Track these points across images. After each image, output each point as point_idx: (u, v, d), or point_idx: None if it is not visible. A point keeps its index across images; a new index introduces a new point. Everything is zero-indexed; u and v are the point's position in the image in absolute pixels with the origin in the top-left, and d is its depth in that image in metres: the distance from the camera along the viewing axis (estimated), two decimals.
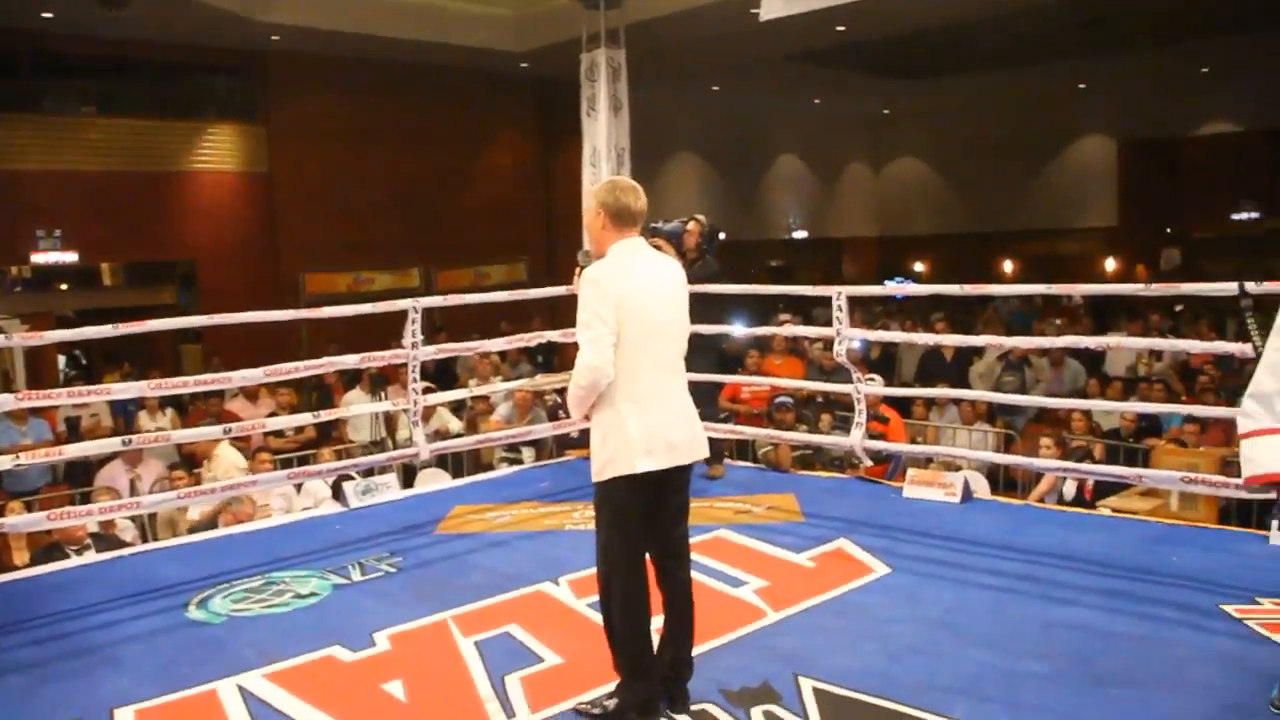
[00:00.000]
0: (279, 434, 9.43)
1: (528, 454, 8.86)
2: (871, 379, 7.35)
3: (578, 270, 4.15)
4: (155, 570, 5.67)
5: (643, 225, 3.85)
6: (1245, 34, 17.44)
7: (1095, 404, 9.00)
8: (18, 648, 4.66)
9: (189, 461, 8.63)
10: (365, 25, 14.55)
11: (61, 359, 16.04)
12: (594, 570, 3.85)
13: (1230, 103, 21.72)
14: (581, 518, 6.29)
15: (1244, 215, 21.82)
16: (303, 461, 8.36)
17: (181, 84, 15.93)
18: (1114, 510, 6.71)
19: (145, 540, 7.32)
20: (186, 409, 11.25)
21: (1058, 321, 14.58)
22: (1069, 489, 7.41)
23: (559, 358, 12.61)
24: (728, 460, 7.77)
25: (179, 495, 6.26)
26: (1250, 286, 5.04)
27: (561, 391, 9.04)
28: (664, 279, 3.81)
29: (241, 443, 8.35)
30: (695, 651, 3.94)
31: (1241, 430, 3.60)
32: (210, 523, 7.18)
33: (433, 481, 8.07)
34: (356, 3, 14.27)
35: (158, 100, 15.62)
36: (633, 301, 3.63)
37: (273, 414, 9.95)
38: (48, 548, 6.44)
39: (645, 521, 3.75)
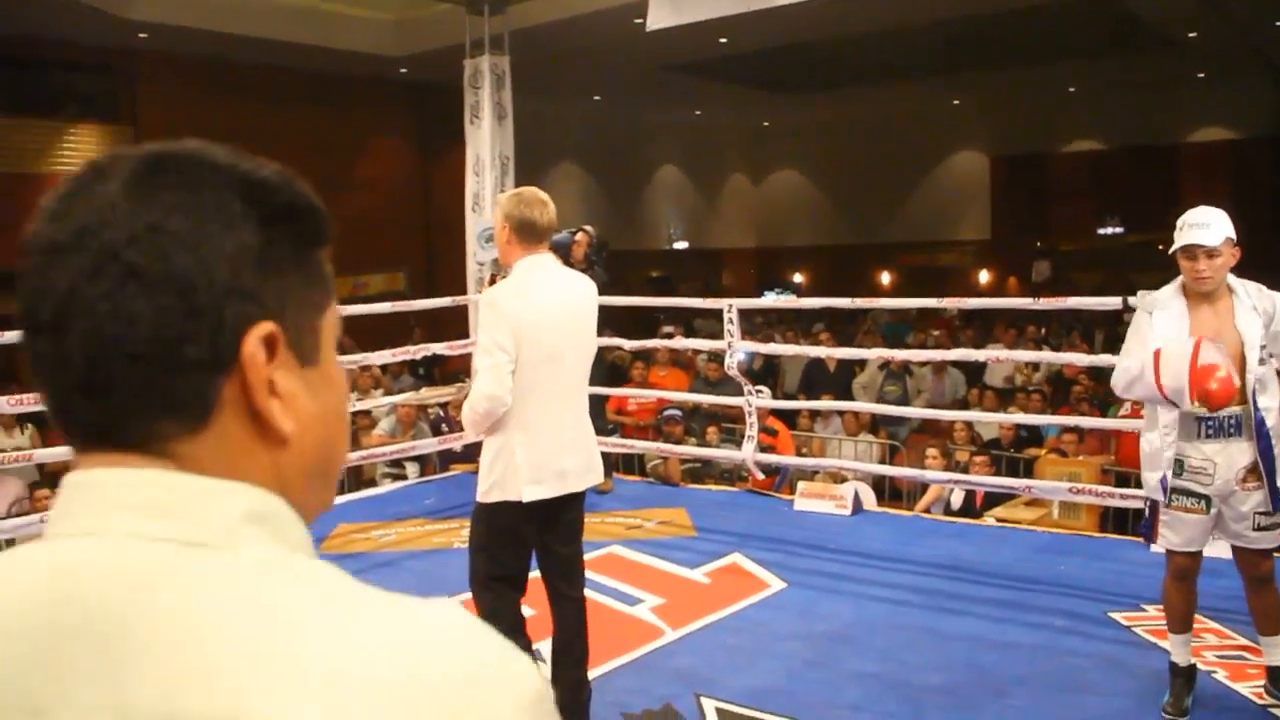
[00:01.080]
0: None
1: (411, 469, 8.65)
2: (760, 391, 7.34)
3: (486, 280, 4.01)
4: None
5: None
6: (1109, 58, 18.08)
7: (980, 415, 9.16)
8: None
9: (53, 479, 8.16)
10: (239, 26, 13.97)
11: None
12: None
13: (1095, 122, 22.48)
14: None
15: (1109, 230, 22.60)
16: None
17: (38, 81, 15.04)
18: (999, 520, 6.80)
19: None
20: (49, 424, 10.65)
21: (935, 333, 14.87)
22: (956, 498, 7.50)
23: (441, 370, 12.36)
24: (616, 474, 7.69)
25: (41, 519, 5.90)
26: (1133, 301, 5.18)
27: (445, 405, 8.86)
28: (568, 299, 3.64)
29: None
30: (594, 673, 3.84)
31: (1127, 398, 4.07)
32: None
33: None
34: (230, 2, 13.78)
35: (11, 97, 14.76)
36: (529, 325, 3.49)
37: None
38: None
39: (529, 543, 3.65)
